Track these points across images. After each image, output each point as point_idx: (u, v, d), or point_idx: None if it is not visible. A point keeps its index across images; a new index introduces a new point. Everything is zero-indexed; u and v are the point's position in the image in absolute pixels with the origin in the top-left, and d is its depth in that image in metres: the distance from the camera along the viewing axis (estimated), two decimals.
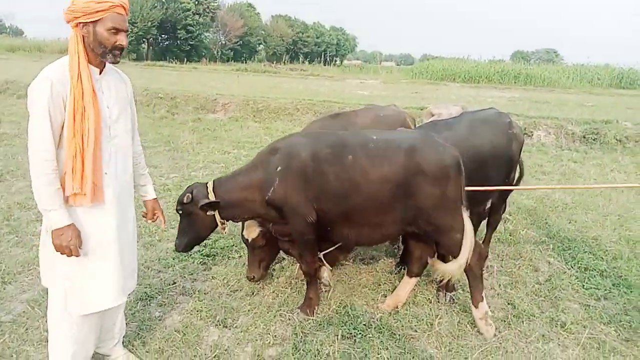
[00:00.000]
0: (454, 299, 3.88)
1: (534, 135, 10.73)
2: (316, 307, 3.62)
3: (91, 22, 2.31)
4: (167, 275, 4.12)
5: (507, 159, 4.23)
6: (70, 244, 2.31)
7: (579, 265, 4.59)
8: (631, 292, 4.13)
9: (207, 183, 3.54)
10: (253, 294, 3.89)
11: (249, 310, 3.61)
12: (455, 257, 3.34)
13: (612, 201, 6.70)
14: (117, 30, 2.35)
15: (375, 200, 3.22)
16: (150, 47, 43.68)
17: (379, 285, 4.08)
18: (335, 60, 60.28)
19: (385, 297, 3.89)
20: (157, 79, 17.89)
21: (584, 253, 4.83)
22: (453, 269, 3.34)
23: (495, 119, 4.30)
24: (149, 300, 3.71)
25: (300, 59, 47.37)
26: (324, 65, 44.45)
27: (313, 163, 3.25)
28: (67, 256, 2.35)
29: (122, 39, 2.37)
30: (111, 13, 2.31)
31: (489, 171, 4.06)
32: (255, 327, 3.39)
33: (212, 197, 3.40)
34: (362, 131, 3.70)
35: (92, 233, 2.46)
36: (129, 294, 2.85)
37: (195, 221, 3.51)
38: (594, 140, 10.39)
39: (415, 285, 4.08)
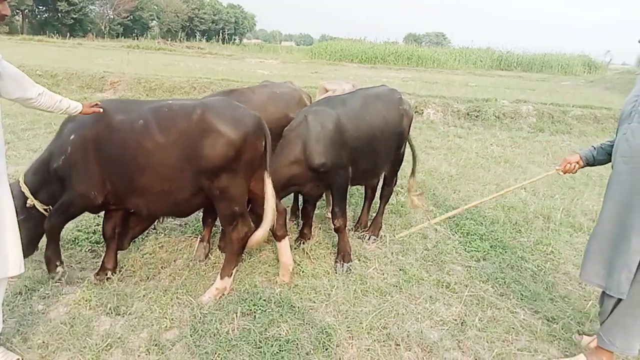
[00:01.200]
0: (350, 269, 4.04)
1: (424, 113, 11.40)
2: None
3: None
4: None
5: (398, 134, 4.46)
6: None
7: (462, 231, 5.01)
8: (505, 252, 4.59)
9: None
10: (148, 278, 3.74)
11: (143, 296, 3.46)
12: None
13: (490, 172, 7.36)
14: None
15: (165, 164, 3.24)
16: (26, 20, 39.29)
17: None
18: (234, 39, 58.87)
19: None
20: (36, 55, 16.22)
21: (466, 220, 5.26)
22: (259, 235, 3.46)
23: (387, 95, 4.50)
24: (30, 294, 3.41)
25: (197, 37, 45.59)
26: (223, 44, 43.12)
27: (105, 130, 3.26)
28: None
29: (5, 8, 2.30)
30: None
31: (381, 145, 4.25)
32: (151, 312, 3.27)
33: (25, 189, 3.39)
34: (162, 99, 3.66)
35: None
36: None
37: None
38: (476, 117, 11.30)
39: (315, 258, 4.20)
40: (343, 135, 3.89)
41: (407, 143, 4.83)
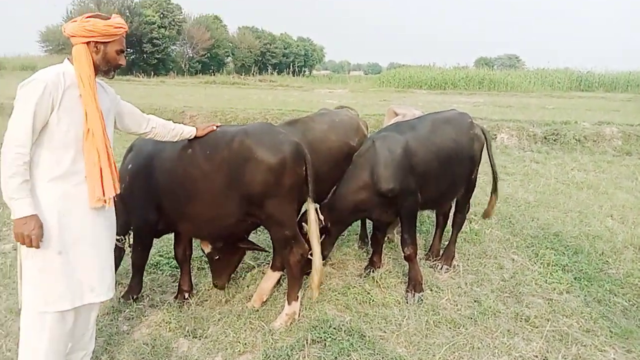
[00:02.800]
0: (421, 299, 3.95)
1: (498, 138, 11.03)
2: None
3: (104, 42, 2.55)
4: None
5: (469, 158, 4.36)
6: (32, 233, 2.36)
7: (542, 261, 4.74)
8: (591, 285, 4.28)
9: None
10: (223, 302, 3.88)
11: (218, 320, 3.59)
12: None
13: (572, 198, 6.94)
14: (122, 51, 2.63)
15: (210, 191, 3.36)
16: None
17: (349, 288, 4.11)
18: (304, 71, 60.59)
19: (355, 300, 3.93)
20: (125, 94, 17.44)
21: (547, 249, 4.98)
22: (316, 266, 3.46)
23: (457, 119, 4.43)
24: (117, 314, 3.65)
25: (269, 70, 47.38)
26: (293, 76, 44.54)
27: (157, 159, 3.48)
28: (27, 246, 2.39)
29: (123, 59, 2.66)
30: (121, 37, 2.61)
31: (451, 170, 4.18)
32: (226, 336, 3.37)
33: None
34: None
35: (72, 227, 2.52)
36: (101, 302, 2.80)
37: None
38: (554, 140, 10.76)
39: (385, 287, 4.15)
40: (412, 159, 3.87)
41: (490, 164, 4.67)
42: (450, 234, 4.74)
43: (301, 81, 36.73)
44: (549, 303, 3.97)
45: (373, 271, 4.38)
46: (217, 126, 3.46)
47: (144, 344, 3.27)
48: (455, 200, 4.64)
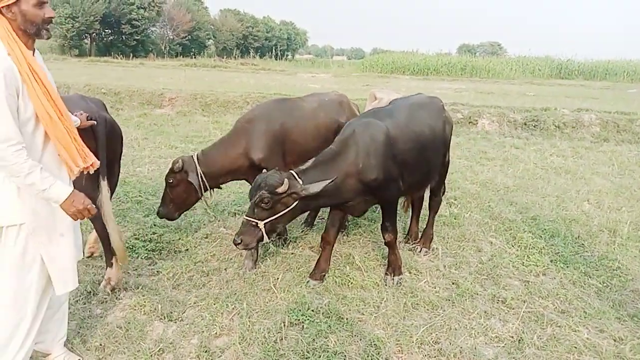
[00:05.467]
0: (400, 282, 3.95)
1: (479, 124, 11.09)
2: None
3: (13, 2, 2.22)
4: None
5: (443, 142, 4.36)
6: (84, 204, 2.38)
7: (520, 244, 4.78)
8: (567, 267, 4.34)
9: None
10: (200, 286, 3.82)
11: (195, 303, 3.54)
12: None
13: (550, 183, 7.02)
14: (41, 3, 2.28)
15: None
16: (94, 43, 41.84)
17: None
18: (287, 55, 59.96)
19: (334, 282, 3.90)
20: (102, 75, 17.17)
21: (524, 232, 5.03)
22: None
23: (430, 103, 4.40)
24: (90, 298, 3.56)
25: (251, 53, 46.80)
26: (276, 59, 44.02)
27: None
28: (88, 217, 2.45)
29: (49, 11, 2.33)
30: None
31: (428, 155, 4.15)
32: (202, 319, 3.32)
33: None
34: None
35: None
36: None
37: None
38: (534, 127, 10.86)
39: (364, 270, 4.14)
40: (393, 147, 3.79)
41: None
42: (427, 217, 4.74)
43: (283, 65, 36.38)
44: (525, 285, 4.01)
45: (352, 257, 4.35)
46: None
47: (117, 327, 3.20)
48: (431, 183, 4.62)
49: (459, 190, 6.41)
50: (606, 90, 19.98)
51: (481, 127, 11.04)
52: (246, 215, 3.37)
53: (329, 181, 3.35)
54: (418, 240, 4.72)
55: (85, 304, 3.49)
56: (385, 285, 3.92)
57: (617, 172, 7.85)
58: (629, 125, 10.69)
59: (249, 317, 3.34)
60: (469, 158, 8.53)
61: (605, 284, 4.07)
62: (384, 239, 3.99)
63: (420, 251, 4.56)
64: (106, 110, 3.86)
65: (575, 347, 3.17)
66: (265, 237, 3.36)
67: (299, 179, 3.37)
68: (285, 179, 3.27)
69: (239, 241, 3.32)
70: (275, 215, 3.33)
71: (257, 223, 3.31)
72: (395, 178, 3.84)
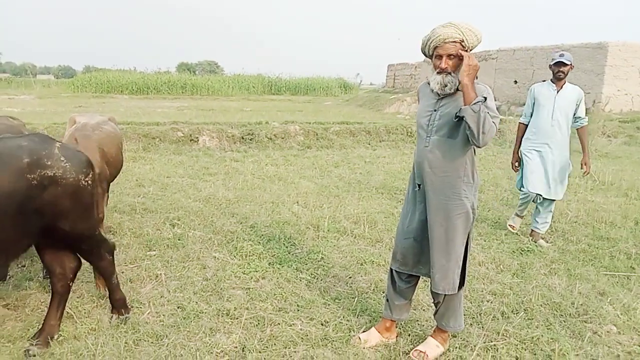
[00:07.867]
0: (128, 318, 3.63)
1: (200, 140, 11.33)
2: None
3: None
4: None
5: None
6: None
7: (241, 253, 5.01)
8: (282, 267, 4.74)
9: None
10: None
11: None
12: None
13: (266, 191, 7.64)
14: None
15: None
16: None
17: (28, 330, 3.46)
18: None
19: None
20: None
21: (245, 241, 5.30)
22: None
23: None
24: None
25: None
26: None
27: None
28: None
29: None
30: None
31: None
32: None
33: None
34: None
35: None
36: None
37: None
38: (250, 140, 11.71)
39: (78, 317, 3.66)
40: None
41: None
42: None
43: None
44: (247, 292, 4.22)
45: None
46: None
47: None
48: None
49: (181, 210, 6.37)
50: (308, 104, 23.14)
51: (202, 143, 11.30)
52: None
53: None
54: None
55: None
56: (106, 325, 3.55)
57: (319, 174, 9.10)
58: (325, 133, 12.56)
59: None
60: (192, 175, 8.60)
61: (313, 276, 4.62)
62: None
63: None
64: None
65: (291, 341, 3.46)
66: None
67: None
68: None
69: None
70: None
71: None
72: None
